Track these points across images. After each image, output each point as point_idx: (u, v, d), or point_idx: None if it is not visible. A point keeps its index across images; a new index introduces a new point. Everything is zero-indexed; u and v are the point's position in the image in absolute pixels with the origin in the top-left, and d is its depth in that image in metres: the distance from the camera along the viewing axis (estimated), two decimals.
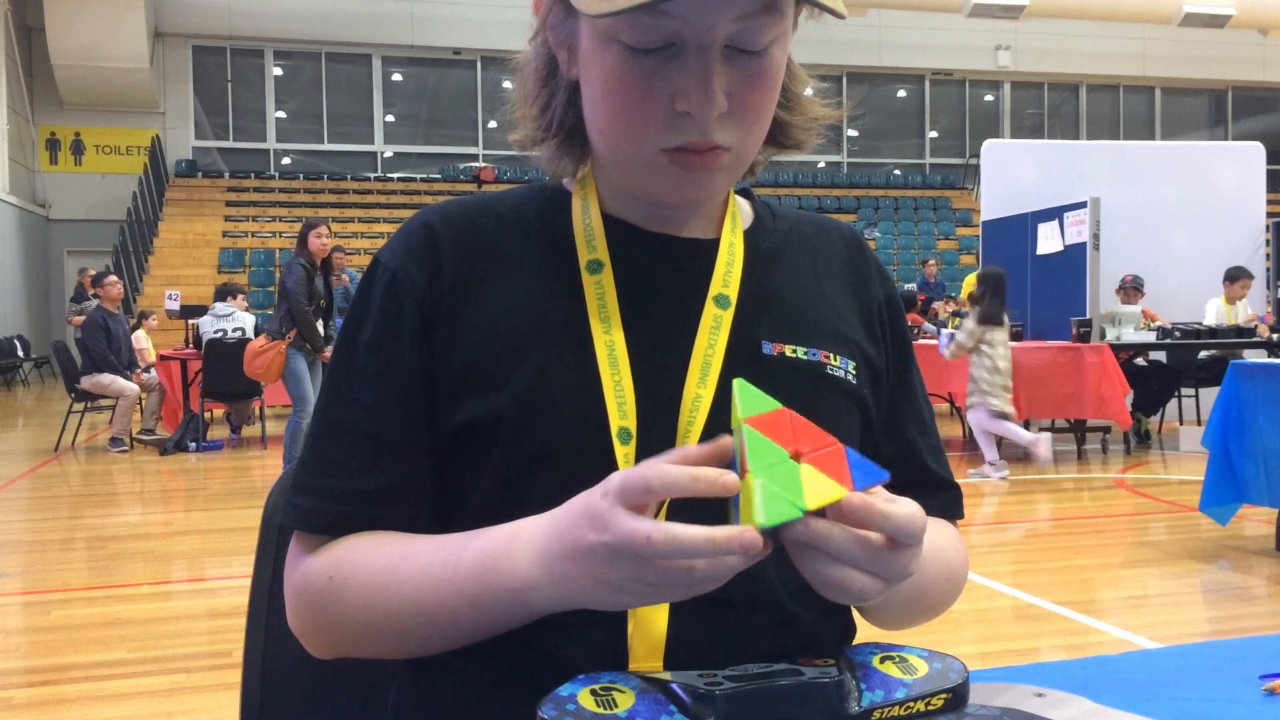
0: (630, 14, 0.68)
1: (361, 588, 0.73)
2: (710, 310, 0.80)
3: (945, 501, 0.89)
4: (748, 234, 0.86)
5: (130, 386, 7.94)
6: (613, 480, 0.60)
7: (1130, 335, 7.33)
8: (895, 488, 0.87)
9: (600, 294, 0.79)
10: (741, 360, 0.79)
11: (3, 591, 3.96)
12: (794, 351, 0.81)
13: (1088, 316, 7.07)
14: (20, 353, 15.94)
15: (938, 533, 0.84)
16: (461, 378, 0.77)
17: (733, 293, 0.81)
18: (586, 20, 0.74)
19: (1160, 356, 7.81)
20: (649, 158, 0.76)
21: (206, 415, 8.27)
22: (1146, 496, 5.71)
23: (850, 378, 0.83)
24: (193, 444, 7.90)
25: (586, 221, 0.82)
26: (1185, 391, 7.97)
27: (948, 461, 0.93)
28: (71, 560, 4.47)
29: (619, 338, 0.77)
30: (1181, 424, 8.06)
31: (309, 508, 0.77)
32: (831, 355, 0.82)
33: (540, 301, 0.79)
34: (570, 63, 0.79)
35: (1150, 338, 7.47)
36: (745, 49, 0.72)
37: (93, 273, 10.51)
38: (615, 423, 0.74)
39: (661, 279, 0.81)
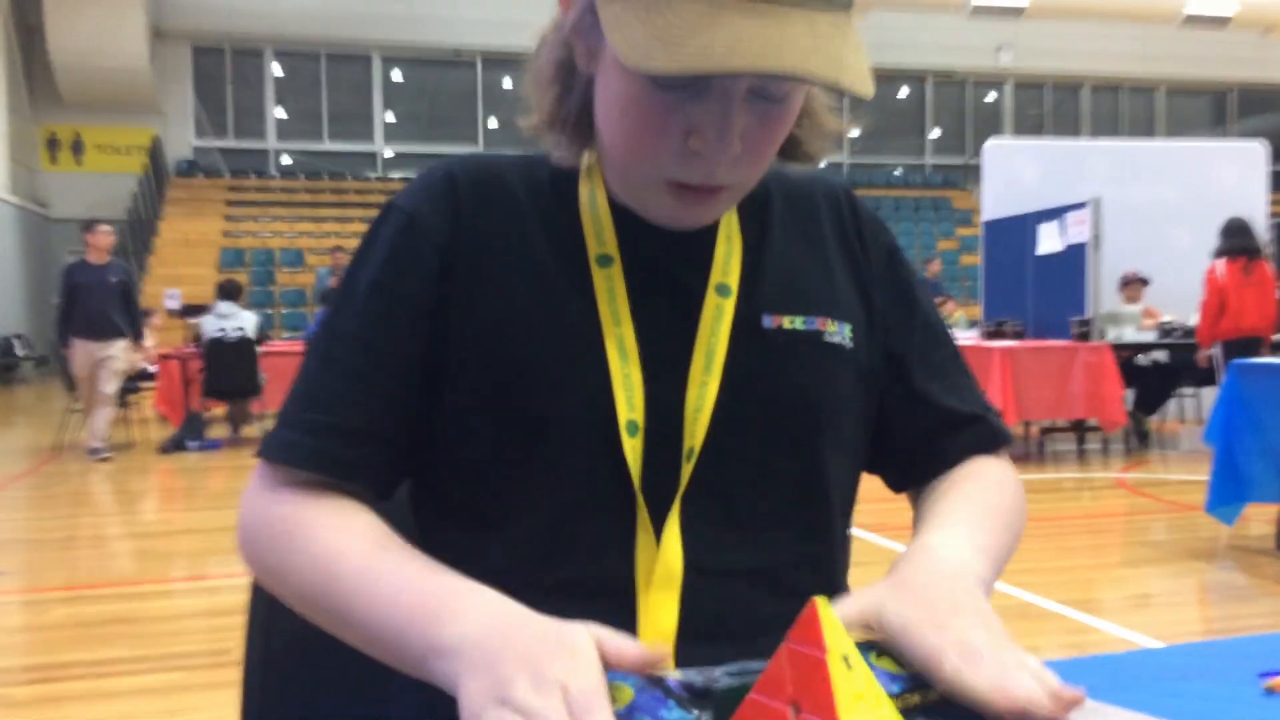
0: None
1: (310, 559, 0.73)
2: (712, 299, 0.81)
3: (978, 435, 0.88)
4: (740, 210, 0.86)
5: (109, 389, 7.39)
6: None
7: (1130, 335, 7.33)
8: (927, 438, 0.89)
9: (610, 288, 0.80)
10: (744, 338, 0.80)
11: (3, 589, 3.96)
12: (792, 322, 0.82)
13: (1088, 316, 7.07)
14: (20, 351, 15.94)
15: (975, 486, 0.84)
16: (471, 337, 0.78)
17: (733, 281, 0.82)
18: None
19: (1161, 355, 7.80)
20: (652, 183, 0.77)
21: (206, 414, 8.27)
22: (1147, 496, 5.71)
23: (847, 342, 0.84)
24: (192, 443, 7.90)
25: (594, 213, 0.83)
26: (1185, 391, 7.96)
27: (975, 386, 0.91)
28: (71, 558, 4.47)
29: (628, 331, 0.78)
30: (1183, 423, 8.05)
31: (289, 441, 0.77)
32: (829, 321, 0.84)
33: (551, 287, 0.80)
34: (588, 58, 0.78)
35: (1150, 337, 7.46)
36: (767, 97, 0.73)
37: None
38: (624, 415, 0.76)
39: (667, 270, 0.82)
